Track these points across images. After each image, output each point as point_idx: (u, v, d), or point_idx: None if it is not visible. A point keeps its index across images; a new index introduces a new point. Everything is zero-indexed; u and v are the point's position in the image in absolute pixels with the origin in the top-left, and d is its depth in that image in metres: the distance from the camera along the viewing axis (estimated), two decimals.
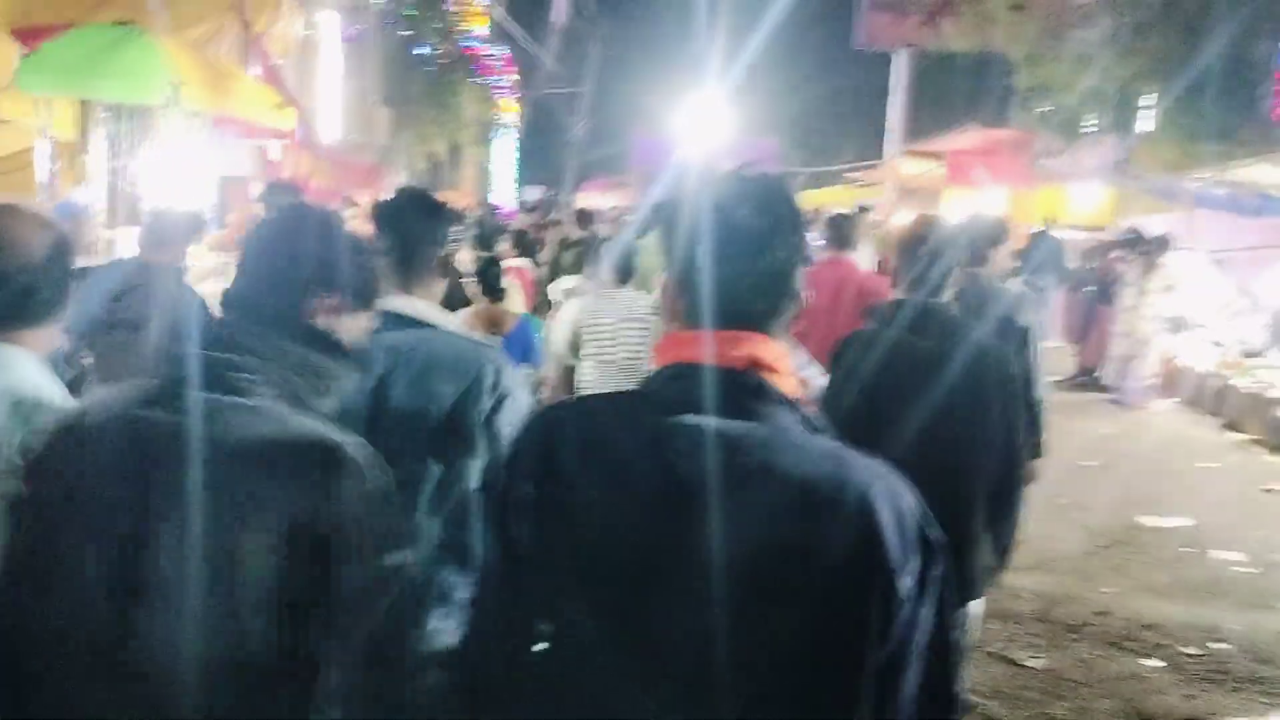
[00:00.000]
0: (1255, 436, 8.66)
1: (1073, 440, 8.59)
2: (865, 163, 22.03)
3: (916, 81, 21.92)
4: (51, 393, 1.66)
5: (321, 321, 1.47)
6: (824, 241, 5.27)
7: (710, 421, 1.20)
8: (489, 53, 24.93)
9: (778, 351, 1.26)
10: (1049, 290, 11.02)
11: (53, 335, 1.74)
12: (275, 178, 6.55)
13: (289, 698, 1.29)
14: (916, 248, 2.75)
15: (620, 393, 1.43)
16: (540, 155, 31.90)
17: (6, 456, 1.50)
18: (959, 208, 17.22)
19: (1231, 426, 9.12)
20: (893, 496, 1.18)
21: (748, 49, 19.65)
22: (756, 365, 1.23)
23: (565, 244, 8.90)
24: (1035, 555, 5.61)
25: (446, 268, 2.25)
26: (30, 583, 1.34)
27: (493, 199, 26.58)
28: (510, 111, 28.69)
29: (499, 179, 29.46)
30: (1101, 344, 10.47)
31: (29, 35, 5.82)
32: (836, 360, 2.78)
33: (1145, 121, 13.37)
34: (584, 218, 10.10)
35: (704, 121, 24.45)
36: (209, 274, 5.11)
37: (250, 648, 1.27)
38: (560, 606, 1.25)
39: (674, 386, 1.25)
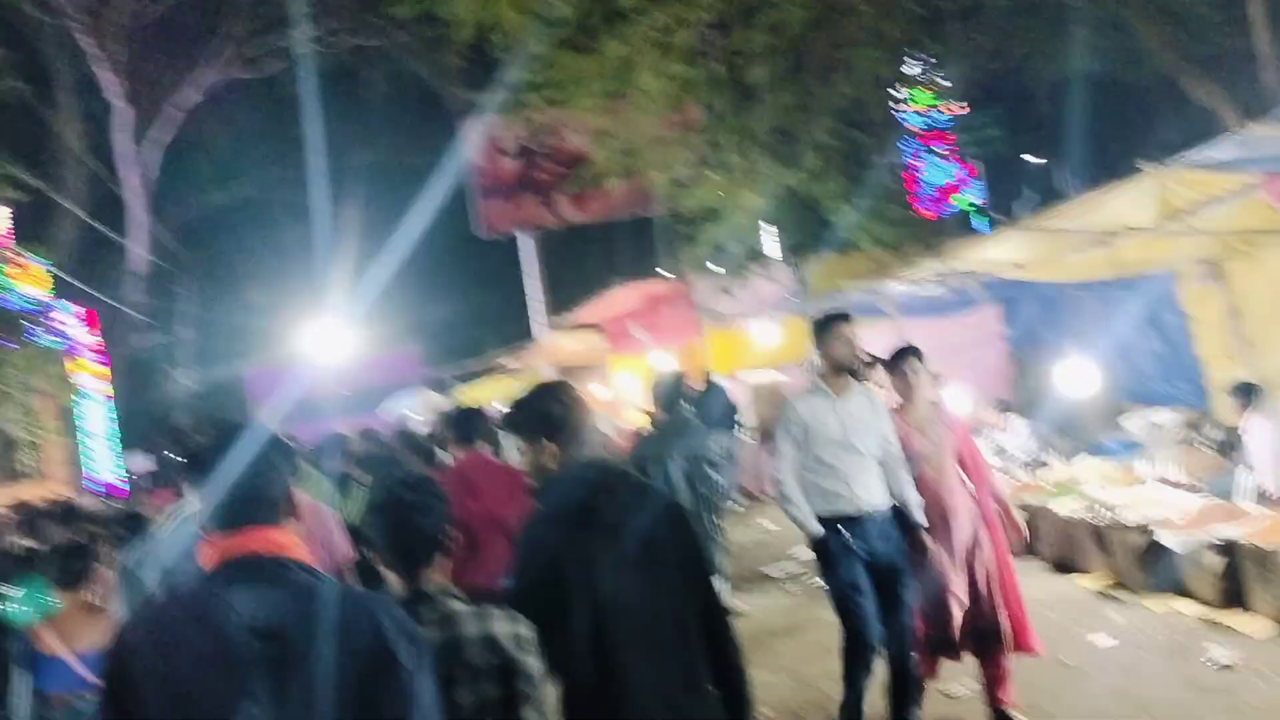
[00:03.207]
0: (1109, 580, 6.66)
1: None
2: (516, 348, 19.83)
3: (553, 254, 20.52)
4: None
5: None
6: (453, 438, 5.41)
7: (261, 588, 1.90)
8: (51, 311, 20.99)
9: (286, 536, 1.99)
10: (727, 445, 8.79)
11: None
12: None
13: None
14: (546, 419, 2.80)
15: (192, 587, 2.03)
16: (145, 415, 27.02)
17: None
18: (627, 376, 15.37)
19: (1063, 568, 7.14)
20: (388, 609, 1.95)
21: (373, 258, 17.62)
22: (273, 546, 1.96)
23: None
24: None
25: None
26: None
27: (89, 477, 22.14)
28: (94, 374, 24.05)
29: (95, 452, 24.38)
30: None
31: None
32: (524, 546, 2.74)
33: (818, 239, 12.00)
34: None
35: (331, 341, 21.67)
36: None
37: None
38: None
39: (229, 572, 1.93)
